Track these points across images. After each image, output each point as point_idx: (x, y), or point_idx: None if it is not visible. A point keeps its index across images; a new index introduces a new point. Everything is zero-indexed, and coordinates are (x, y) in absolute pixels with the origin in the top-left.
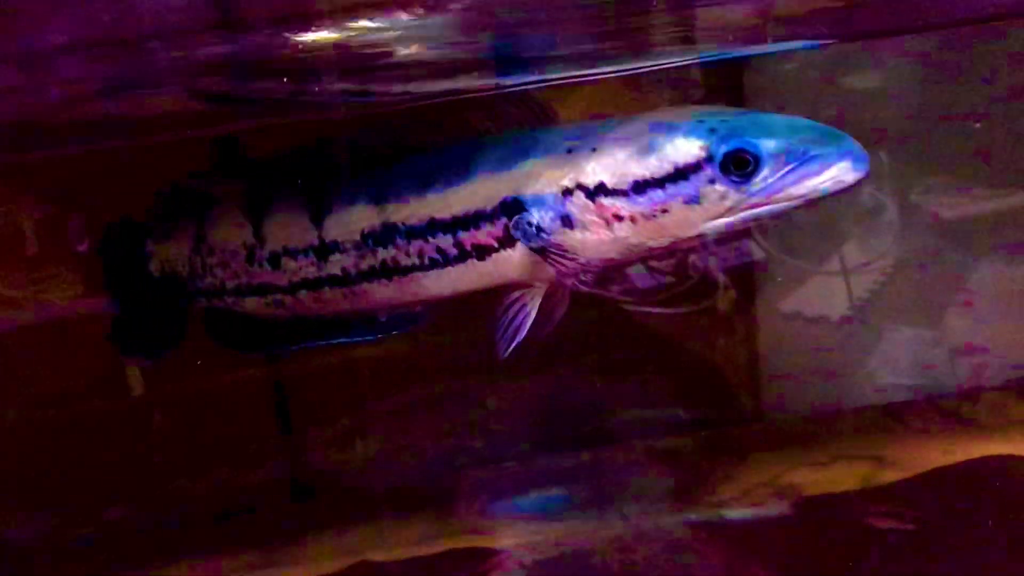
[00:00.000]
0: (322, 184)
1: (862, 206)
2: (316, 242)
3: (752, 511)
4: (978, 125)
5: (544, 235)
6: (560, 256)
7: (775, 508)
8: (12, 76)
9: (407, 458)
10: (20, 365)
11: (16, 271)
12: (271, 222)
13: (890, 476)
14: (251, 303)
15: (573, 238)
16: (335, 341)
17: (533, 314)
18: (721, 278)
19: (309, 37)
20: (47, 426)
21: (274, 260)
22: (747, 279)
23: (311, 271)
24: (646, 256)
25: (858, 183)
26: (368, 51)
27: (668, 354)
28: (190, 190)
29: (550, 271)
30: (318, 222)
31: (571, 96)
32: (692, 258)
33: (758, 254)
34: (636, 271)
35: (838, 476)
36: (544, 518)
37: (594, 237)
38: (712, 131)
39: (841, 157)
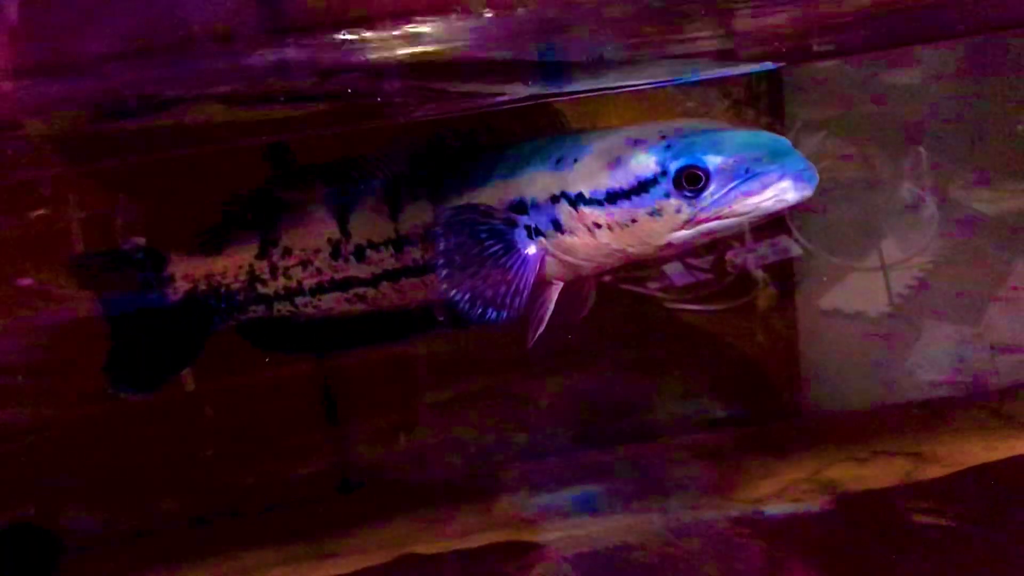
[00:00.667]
0: (396, 181)
1: (902, 202)
2: (394, 235)
3: (792, 507)
4: (1021, 127)
5: (541, 237)
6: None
7: (815, 504)
8: (57, 87)
9: (450, 452)
10: (73, 361)
11: (64, 268)
12: (355, 217)
13: (931, 472)
14: (331, 300)
15: (564, 241)
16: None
17: (551, 307)
18: (760, 275)
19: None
20: (100, 420)
21: (359, 253)
22: (786, 275)
23: (391, 262)
24: (637, 261)
25: (801, 201)
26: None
27: (708, 350)
28: (258, 198)
29: (563, 269)
30: (395, 216)
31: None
32: (730, 255)
33: (797, 250)
34: (674, 268)
35: (878, 472)
36: (585, 512)
37: (581, 241)
38: (668, 147)
39: (783, 177)
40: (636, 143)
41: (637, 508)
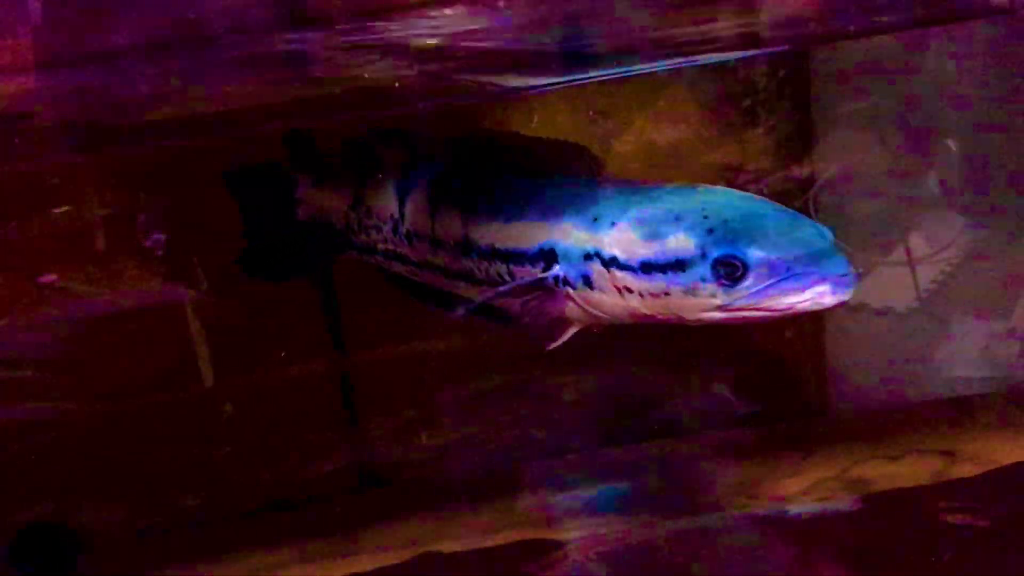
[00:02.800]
0: (438, 181)
1: (930, 194)
2: (431, 234)
3: (820, 506)
4: None
5: (570, 288)
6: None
7: (844, 503)
8: (83, 76)
9: (471, 449)
10: (94, 358)
11: (86, 267)
12: (408, 204)
13: (963, 471)
14: (397, 267)
15: (592, 296)
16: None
17: (559, 342)
18: None
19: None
20: (120, 416)
21: (408, 238)
22: None
23: (428, 256)
24: (661, 323)
25: (839, 304)
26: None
27: (732, 346)
28: (363, 146)
29: (586, 317)
30: (432, 217)
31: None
32: None
33: None
34: None
35: (909, 471)
36: (608, 511)
37: (610, 300)
38: (710, 231)
39: (822, 280)
40: (677, 218)
41: (662, 506)
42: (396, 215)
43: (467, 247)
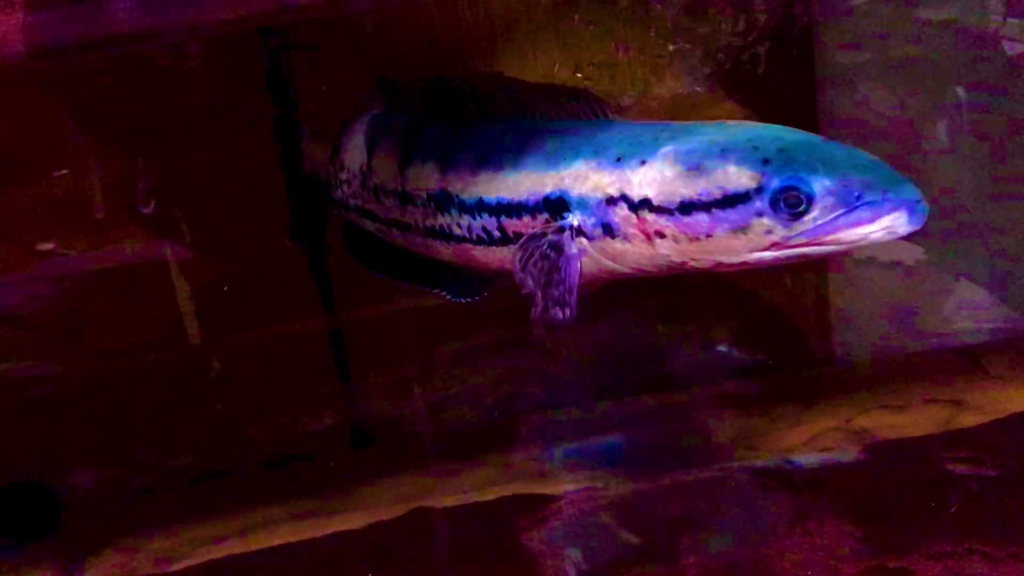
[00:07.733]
0: (408, 130)
1: (938, 144)
2: (400, 188)
3: (823, 456)
4: None
5: (584, 239)
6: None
7: (847, 453)
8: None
9: (466, 404)
10: (85, 320)
11: (85, 234)
12: (375, 156)
13: (970, 420)
14: (368, 224)
15: (613, 246)
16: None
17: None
18: None
19: None
20: (110, 377)
21: (376, 192)
22: None
23: (396, 213)
24: (688, 272)
25: (911, 235)
26: None
27: (733, 297)
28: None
29: (598, 273)
30: (402, 170)
31: None
32: None
33: None
34: None
35: (913, 420)
36: (605, 464)
37: (634, 249)
38: (766, 161)
39: (897, 207)
40: (723, 152)
41: (659, 459)
42: (365, 167)
43: (445, 201)
